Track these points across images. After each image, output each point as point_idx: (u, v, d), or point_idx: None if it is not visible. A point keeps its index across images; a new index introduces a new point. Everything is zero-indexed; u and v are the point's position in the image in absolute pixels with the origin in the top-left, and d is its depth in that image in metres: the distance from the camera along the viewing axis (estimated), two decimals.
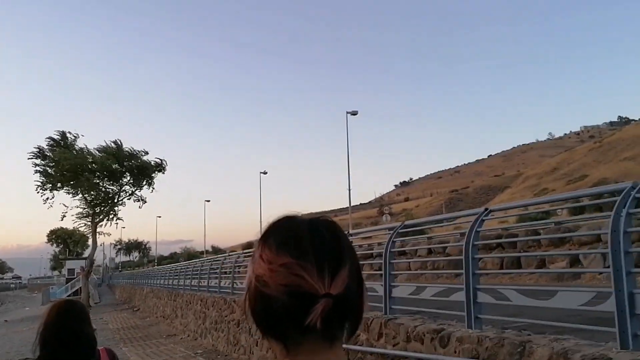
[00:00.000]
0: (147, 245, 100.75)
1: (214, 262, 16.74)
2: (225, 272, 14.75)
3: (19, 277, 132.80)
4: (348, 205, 42.03)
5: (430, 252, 17.31)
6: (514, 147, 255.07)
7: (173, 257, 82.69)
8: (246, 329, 10.21)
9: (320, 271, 0.79)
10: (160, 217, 75.29)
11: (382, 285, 6.03)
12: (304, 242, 0.82)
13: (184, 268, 20.44)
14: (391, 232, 6.11)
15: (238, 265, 13.12)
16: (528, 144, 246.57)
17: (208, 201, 63.53)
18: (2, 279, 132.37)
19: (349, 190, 40.99)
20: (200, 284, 16.26)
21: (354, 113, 41.73)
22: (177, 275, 20.92)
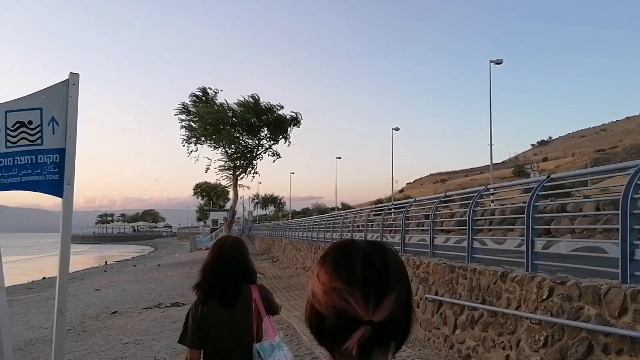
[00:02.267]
0: (281, 200, 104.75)
1: (357, 215, 15.95)
2: (371, 226, 13.87)
3: (170, 226, 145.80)
4: (489, 164, 39.28)
5: None
6: None
7: (305, 213, 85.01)
8: None
9: (365, 299, 0.85)
10: (293, 173, 77.28)
11: (616, 244, 4.47)
12: (355, 269, 0.88)
13: (324, 221, 19.97)
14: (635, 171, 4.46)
15: (387, 219, 12.08)
16: None
17: (339, 158, 63.65)
18: (156, 227, 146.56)
19: (491, 145, 38.06)
20: (342, 238, 15.55)
21: (499, 62, 38.14)
22: (316, 228, 20.55)
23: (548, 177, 5.76)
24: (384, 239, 11.61)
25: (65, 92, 4.22)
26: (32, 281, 28.28)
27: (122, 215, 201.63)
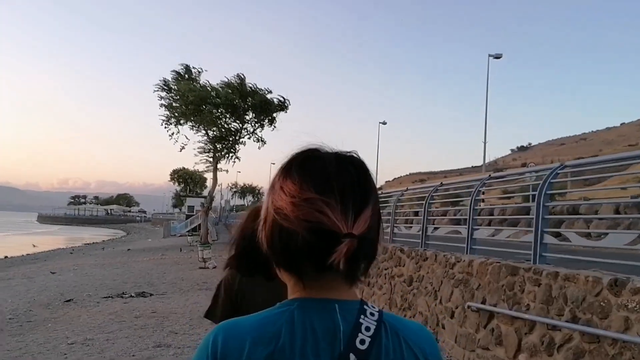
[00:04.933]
0: (260, 191, 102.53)
1: None
2: None
3: (144, 212, 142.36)
4: (467, 166, 38.15)
5: None
6: None
7: None
8: (422, 292, 7.37)
9: (344, 210, 0.75)
10: (274, 164, 75.12)
11: None
12: (330, 177, 0.77)
13: None
14: None
15: (399, 206, 10.29)
16: None
17: None
18: (130, 211, 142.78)
19: (485, 143, 36.73)
20: None
21: (498, 56, 36.62)
22: None
23: None
24: (395, 230, 9.81)
25: None
26: None
27: (96, 197, 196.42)
